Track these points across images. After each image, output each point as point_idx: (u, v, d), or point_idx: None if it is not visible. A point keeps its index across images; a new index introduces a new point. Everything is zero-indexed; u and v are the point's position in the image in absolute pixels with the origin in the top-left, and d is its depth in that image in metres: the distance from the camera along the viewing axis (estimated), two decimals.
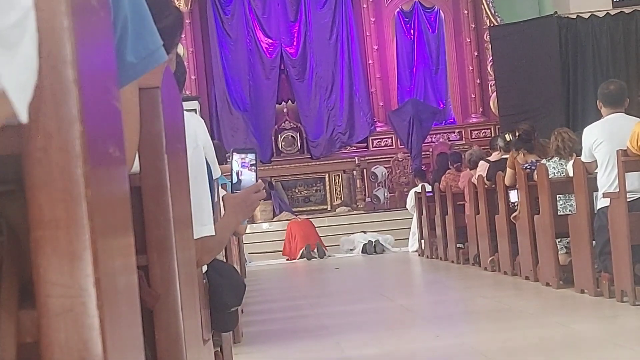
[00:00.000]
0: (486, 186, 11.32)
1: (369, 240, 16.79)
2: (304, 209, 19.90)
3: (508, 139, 11.56)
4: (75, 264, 0.95)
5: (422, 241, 15.26)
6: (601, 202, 7.77)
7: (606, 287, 7.71)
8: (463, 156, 14.61)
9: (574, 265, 8.46)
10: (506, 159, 10.89)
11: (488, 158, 12.35)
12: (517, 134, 10.68)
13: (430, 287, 11.08)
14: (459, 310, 8.26)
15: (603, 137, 7.78)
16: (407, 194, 17.08)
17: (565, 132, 9.51)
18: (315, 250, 16.61)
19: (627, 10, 16.15)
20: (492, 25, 20.04)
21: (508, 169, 10.31)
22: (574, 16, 16.40)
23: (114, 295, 1.04)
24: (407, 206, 16.81)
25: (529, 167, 9.72)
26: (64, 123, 0.95)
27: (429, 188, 15.35)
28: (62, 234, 0.94)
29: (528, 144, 10.19)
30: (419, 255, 15.31)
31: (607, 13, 16.04)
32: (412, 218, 16.54)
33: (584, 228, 8.06)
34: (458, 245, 13.00)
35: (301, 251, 16.66)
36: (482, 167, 12.06)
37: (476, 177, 11.95)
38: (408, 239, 16.68)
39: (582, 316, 7.03)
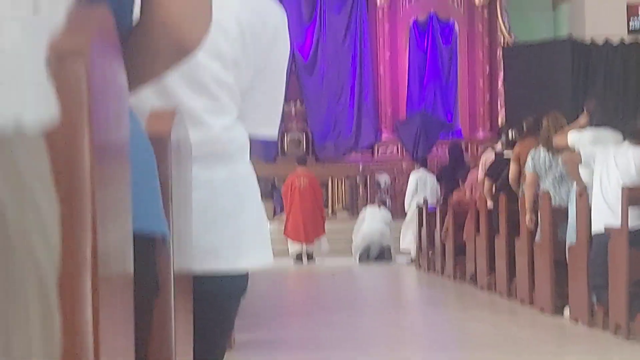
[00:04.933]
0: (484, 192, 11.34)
1: (367, 245, 16.78)
2: None
3: (511, 137, 11.52)
4: (75, 282, 0.94)
5: (420, 254, 15.27)
6: (597, 227, 7.74)
7: (600, 319, 7.71)
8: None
9: (570, 294, 8.46)
10: (507, 159, 10.86)
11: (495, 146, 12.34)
12: (523, 127, 10.68)
13: (425, 305, 11.07)
14: (451, 331, 8.26)
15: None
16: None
17: (561, 126, 9.36)
18: (306, 250, 16.67)
19: None
20: (506, 41, 20.06)
21: (512, 163, 10.30)
22: (589, 41, 16.41)
23: (110, 308, 1.03)
24: (406, 197, 16.73)
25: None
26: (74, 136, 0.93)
27: (428, 199, 15.40)
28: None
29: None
30: (416, 267, 15.31)
31: (622, 41, 16.03)
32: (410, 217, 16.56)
33: (582, 258, 8.07)
34: (456, 261, 12.99)
35: (294, 252, 16.72)
36: (485, 160, 12.05)
37: (479, 173, 11.99)
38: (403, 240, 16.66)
39: (575, 348, 7.03)
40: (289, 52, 2.52)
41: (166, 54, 1.47)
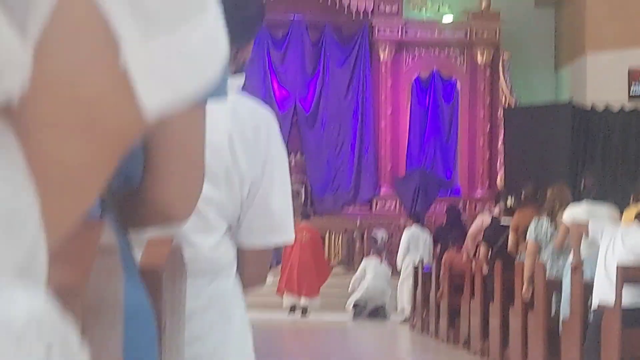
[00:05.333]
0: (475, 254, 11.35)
1: (366, 300, 16.73)
2: None
3: (510, 204, 11.52)
4: None
5: (414, 314, 15.23)
6: (597, 303, 7.72)
7: None
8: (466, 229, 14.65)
9: None
10: (504, 226, 10.88)
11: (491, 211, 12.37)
12: (522, 195, 10.71)
13: None
14: None
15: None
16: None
17: (566, 199, 9.34)
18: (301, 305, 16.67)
19: None
20: (507, 102, 20.19)
21: (511, 232, 10.31)
22: (589, 105, 16.48)
23: None
24: (399, 255, 16.72)
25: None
26: None
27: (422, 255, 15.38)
28: None
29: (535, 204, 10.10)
30: (410, 328, 15.24)
31: (622, 108, 16.10)
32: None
33: (575, 332, 8.05)
34: (450, 324, 12.94)
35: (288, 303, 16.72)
36: (481, 221, 12.07)
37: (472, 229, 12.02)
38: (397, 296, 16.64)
39: None
40: (285, 153, 2.52)
41: (153, 224, 1.51)
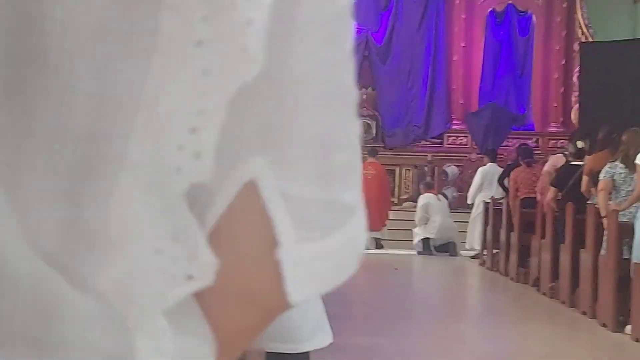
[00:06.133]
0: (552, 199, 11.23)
1: (426, 238, 16.72)
2: None
3: (580, 146, 11.35)
4: None
5: (485, 251, 15.18)
6: None
7: None
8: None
9: (632, 312, 8.35)
10: (576, 166, 10.77)
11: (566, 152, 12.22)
12: (596, 138, 10.58)
13: (484, 314, 10.85)
14: (509, 349, 8.18)
15: None
16: None
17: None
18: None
19: None
20: (584, 36, 19.74)
21: (585, 176, 10.19)
22: None
23: None
24: (471, 192, 16.68)
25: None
26: None
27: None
28: None
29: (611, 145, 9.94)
30: (480, 264, 15.21)
31: None
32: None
33: None
34: (520, 263, 12.87)
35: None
36: (554, 161, 11.97)
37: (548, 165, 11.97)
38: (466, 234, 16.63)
39: None
40: None
41: None
